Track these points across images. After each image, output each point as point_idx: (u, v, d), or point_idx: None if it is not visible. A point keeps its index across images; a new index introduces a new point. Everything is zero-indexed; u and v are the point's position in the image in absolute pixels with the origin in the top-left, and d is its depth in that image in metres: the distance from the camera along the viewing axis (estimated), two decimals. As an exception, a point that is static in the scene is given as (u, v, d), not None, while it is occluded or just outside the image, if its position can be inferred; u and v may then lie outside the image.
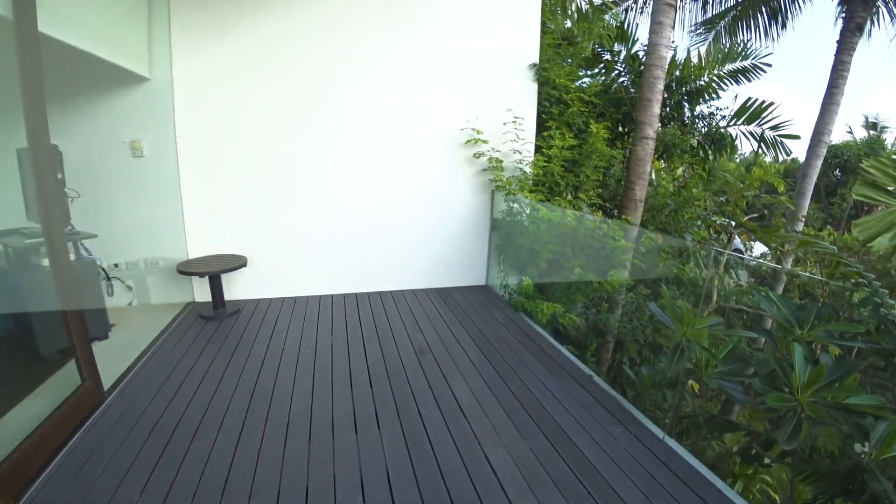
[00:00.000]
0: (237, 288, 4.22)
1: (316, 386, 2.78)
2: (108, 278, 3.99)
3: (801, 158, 6.28)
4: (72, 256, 3.25)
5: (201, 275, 3.73)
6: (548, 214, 3.52)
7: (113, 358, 3.09)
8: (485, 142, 4.03)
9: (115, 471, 2.05)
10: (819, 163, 5.73)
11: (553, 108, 4.38)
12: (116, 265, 4.04)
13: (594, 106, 4.66)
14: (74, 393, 2.49)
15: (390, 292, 4.42)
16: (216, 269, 3.79)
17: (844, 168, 12.61)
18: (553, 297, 3.80)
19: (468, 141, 4.05)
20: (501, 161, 4.06)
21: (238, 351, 3.28)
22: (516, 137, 4.05)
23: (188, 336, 3.53)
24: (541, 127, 4.37)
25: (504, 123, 4.06)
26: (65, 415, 2.37)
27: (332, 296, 4.35)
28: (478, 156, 4.10)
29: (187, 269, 3.72)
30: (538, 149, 4.19)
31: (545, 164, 4.05)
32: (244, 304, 4.15)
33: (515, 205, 3.94)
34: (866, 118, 12.59)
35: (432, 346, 3.26)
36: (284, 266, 4.26)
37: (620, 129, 5.42)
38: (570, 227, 3.62)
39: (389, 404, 2.57)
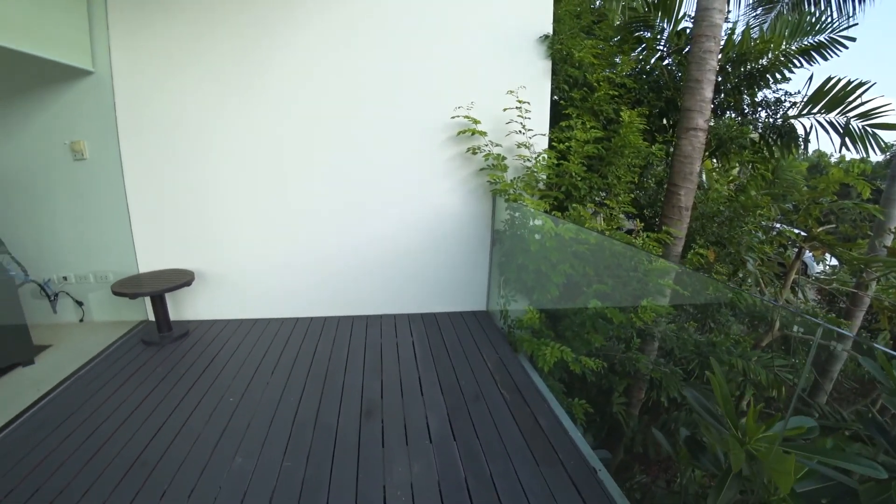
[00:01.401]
0: (189, 307, 3.61)
1: (223, 446, 2.07)
2: (49, 295, 3.45)
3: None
4: None
5: (132, 296, 3.08)
6: (555, 229, 2.68)
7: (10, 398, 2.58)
8: (482, 133, 3.19)
9: None
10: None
11: (573, 93, 3.48)
12: (65, 278, 3.52)
13: (628, 90, 3.74)
14: None
15: (366, 317, 3.66)
16: (155, 288, 3.16)
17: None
18: (568, 331, 2.94)
19: (461, 132, 3.21)
20: (503, 158, 3.22)
21: (182, 382, 2.76)
22: (522, 128, 3.18)
23: (113, 366, 2.95)
24: (558, 116, 3.50)
25: (505, 110, 3.20)
26: None
27: (297, 319, 3.66)
28: (474, 151, 3.26)
29: (121, 290, 3.10)
30: (553, 144, 3.33)
31: (559, 163, 3.18)
32: (196, 326, 3.54)
33: (518, 213, 3.10)
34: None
35: (386, 406, 2.47)
36: (243, 284, 3.62)
37: (664, 121, 4.44)
38: (590, 243, 2.77)
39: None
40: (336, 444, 2.16)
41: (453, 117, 3.24)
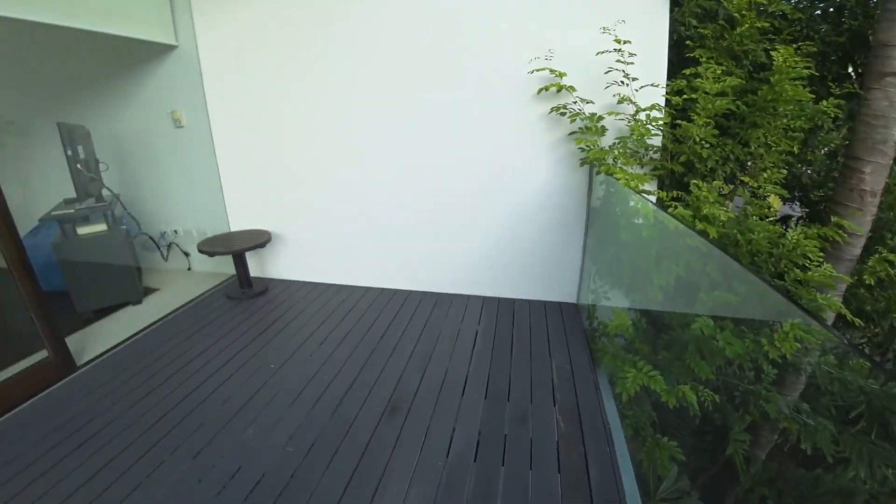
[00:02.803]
0: (271, 266, 3.74)
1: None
2: (158, 246, 3.86)
3: None
4: (102, 227, 3.10)
5: (209, 254, 3.20)
6: (654, 214, 1.99)
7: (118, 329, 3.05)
8: (570, 88, 2.53)
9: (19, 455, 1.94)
10: None
11: (703, 28, 2.59)
12: (175, 231, 3.88)
13: (789, 22, 2.67)
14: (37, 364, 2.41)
15: (436, 295, 3.35)
16: (231, 248, 3.25)
17: None
18: (668, 349, 2.24)
19: (542, 89, 2.58)
20: (599, 118, 2.53)
21: (242, 339, 2.88)
22: (625, 78, 2.45)
23: (201, 313, 3.27)
24: (680, 63, 2.63)
25: (598, 54, 2.45)
26: (11, 386, 2.31)
27: (367, 289, 3.53)
28: (560, 111, 2.60)
29: (203, 248, 3.25)
30: (669, 99, 2.52)
31: (678, 123, 2.39)
32: (275, 285, 3.67)
33: (613, 189, 2.43)
34: None
35: (415, 406, 2.13)
36: (319, 248, 3.62)
37: (845, 67, 3.16)
38: (707, 237, 2.03)
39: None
40: (344, 440, 1.92)
41: (531, 71, 2.62)
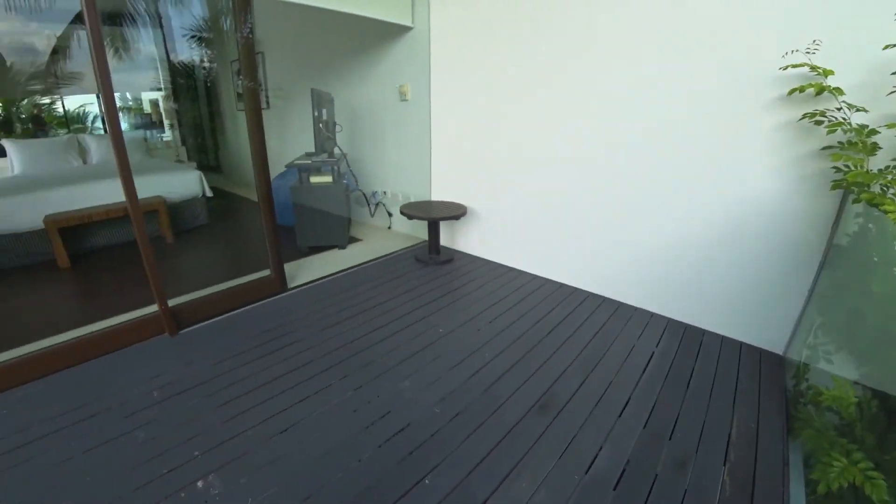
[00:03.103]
0: (461, 238, 4.04)
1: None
2: (369, 203, 4.49)
3: None
4: (329, 179, 3.76)
5: (409, 217, 3.61)
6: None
7: (323, 265, 3.79)
8: (835, 91, 2.00)
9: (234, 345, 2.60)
10: None
11: None
12: (385, 193, 4.45)
13: None
14: (261, 279, 3.20)
15: (617, 304, 3.16)
16: (430, 215, 3.59)
17: None
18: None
19: (794, 90, 2.08)
20: (870, 132, 1.95)
21: (420, 299, 3.22)
22: None
23: (390, 268, 3.76)
24: None
25: (886, 48, 1.85)
26: (242, 290, 3.09)
27: (546, 280, 3.55)
28: (815, 119, 2.08)
29: (405, 211, 3.66)
30: None
31: None
32: (461, 257, 3.98)
33: (873, 227, 1.88)
34: None
35: (567, 411, 2.07)
36: (510, 232, 3.75)
37: None
38: None
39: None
40: (489, 419, 2.00)
41: (784, 67, 2.15)
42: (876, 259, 1.86)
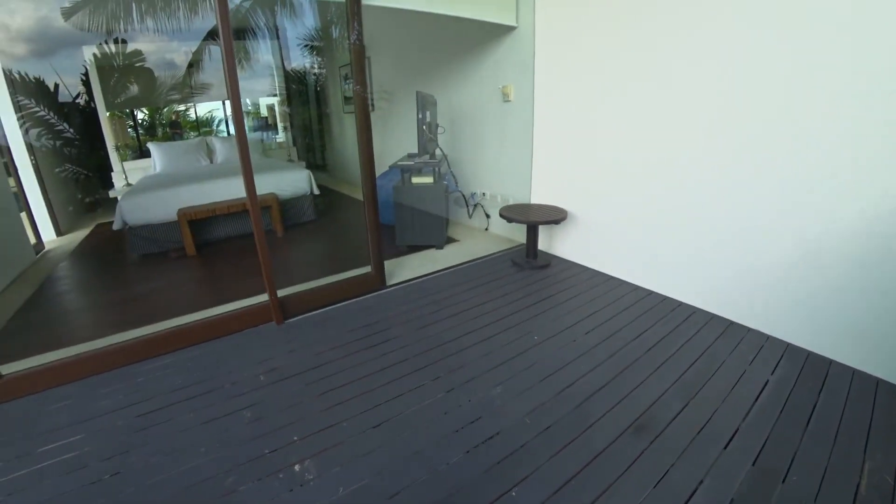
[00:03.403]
0: (560, 243, 3.97)
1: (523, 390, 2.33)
2: (467, 204, 4.55)
3: None
4: (430, 179, 3.91)
5: (508, 220, 3.61)
6: None
7: (420, 264, 3.98)
8: None
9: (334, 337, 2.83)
10: None
11: None
12: (483, 194, 4.50)
13: None
14: (362, 275, 3.42)
15: (728, 322, 2.93)
16: (529, 218, 3.58)
17: None
18: None
19: None
20: None
21: (515, 304, 3.24)
22: None
23: (486, 270, 3.82)
24: None
25: None
26: (344, 285, 3.32)
27: (650, 292, 3.38)
28: None
29: (505, 213, 3.68)
30: None
31: None
32: (558, 262, 3.94)
33: None
34: None
35: (665, 436, 1.99)
36: (613, 239, 3.62)
37: None
38: None
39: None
40: (580, 436, 1.99)
41: None
42: None
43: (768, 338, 2.75)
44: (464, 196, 4.68)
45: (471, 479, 1.77)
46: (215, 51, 7.63)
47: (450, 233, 4.65)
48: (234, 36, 2.60)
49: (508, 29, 3.83)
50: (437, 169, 4.00)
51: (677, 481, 1.76)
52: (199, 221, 4.68)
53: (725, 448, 1.93)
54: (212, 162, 6.84)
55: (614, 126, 3.33)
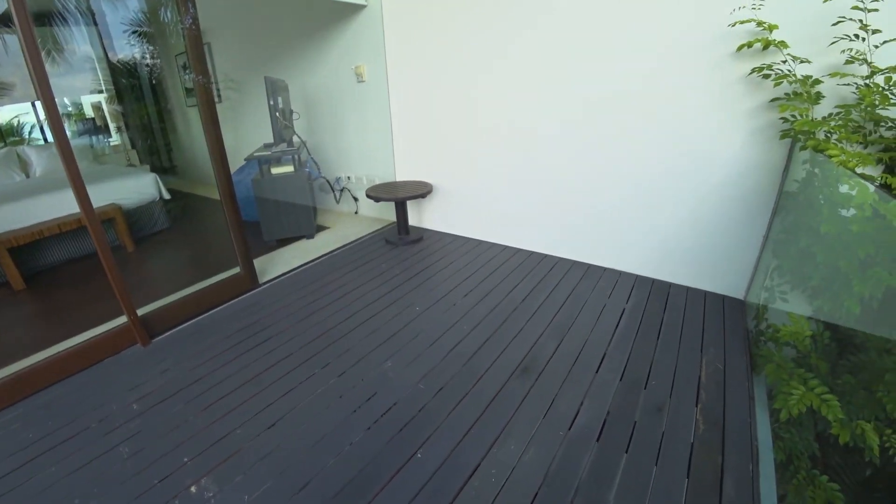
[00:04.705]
0: (427, 216, 4.01)
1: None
2: (333, 189, 4.38)
3: None
4: (290, 169, 3.66)
5: (375, 199, 3.56)
6: (877, 205, 1.59)
7: (292, 257, 3.75)
8: (780, 44, 2.08)
9: (211, 346, 2.55)
10: None
11: None
12: (349, 178, 4.36)
13: None
14: (231, 277, 3.10)
15: (586, 266, 3.24)
16: (396, 195, 3.55)
17: None
18: (852, 375, 1.83)
19: (742, 46, 2.16)
20: (814, 82, 2.05)
21: (393, 280, 3.22)
22: (861, 30, 1.89)
23: (361, 252, 3.73)
24: None
25: (825, 0, 1.97)
26: (212, 291, 2.99)
27: (516, 250, 3.59)
28: (763, 72, 2.17)
29: (371, 193, 3.61)
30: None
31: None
32: (430, 235, 3.97)
33: (818, 171, 2.00)
34: None
35: (546, 372, 2.14)
36: (474, 204, 3.76)
37: None
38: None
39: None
40: (472, 388, 2.06)
41: (733, 24, 2.21)
42: (822, 201, 1.97)
43: (621, 273, 3.11)
44: (328, 182, 4.51)
45: (377, 452, 1.72)
46: (12, 41, 6.27)
47: (319, 220, 4.45)
48: (34, 21, 2.14)
49: (358, 7, 3.67)
50: (296, 157, 3.78)
51: (562, 408, 1.91)
52: (23, 248, 3.83)
53: (597, 372, 2.14)
54: (28, 176, 5.65)
55: (468, 98, 3.45)
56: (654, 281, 2.99)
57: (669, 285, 2.93)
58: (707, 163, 2.59)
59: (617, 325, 2.51)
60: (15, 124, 6.83)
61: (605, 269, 3.18)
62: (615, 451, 1.69)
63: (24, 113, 6.79)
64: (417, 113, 3.75)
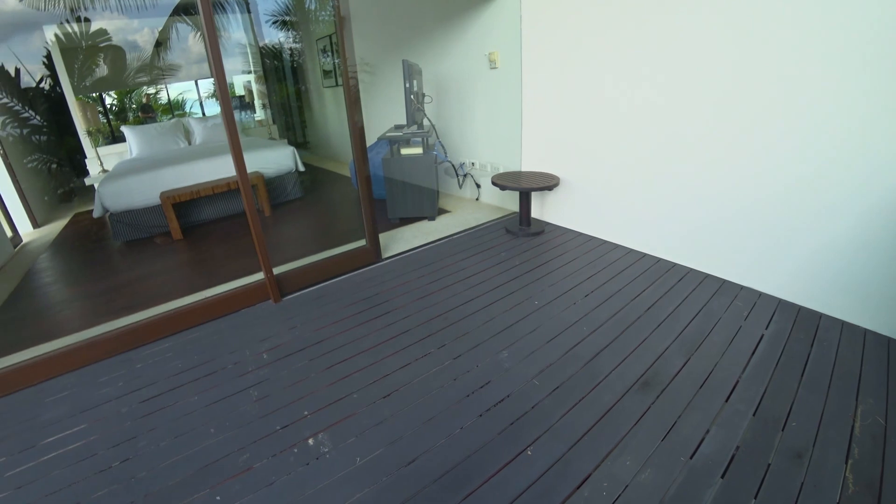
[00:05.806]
0: (551, 210, 3.98)
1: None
2: (457, 174, 4.49)
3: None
4: (419, 150, 3.84)
5: (501, 188, 3.60)
6: None
7: (413, 236, 3.98)
8: None
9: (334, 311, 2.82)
10: None
11: None
12: (473, 164, 4.45)
13: None
14: (357, 249, 3.42)
15: (721, 281, 2.99)
16: (522, 185, 3.57)
17: None
18: None
19: None
20: None
21: (512, 270, 3.25)
22: None
23: (481, 239, 3.82)
24: None
25: None
26: (338, 260, 3.30)
27: (643, 255, 3.43)
28: None
29: (497, 181, 3.66)
30: None
31: None
32: (552, 229, 3.96)
33: None
34: None
35: (669, 390, 2.04)
36: (603, 203, 3.62)
37: None
38: None
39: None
40: (589, 394, 2.04)
41: None
42: None
43: (760, 294, 2.82)
44: (453, 166, 4.64)
45: (486, 442, 1.80)
46: (183, 29, 7.32)
47: (441, 204, 4.63)
48: (194, 10, 2.49)
49: (496, -7, 3.73)
50: (425, 139, 3.94)
51: (685, 432, 1.82)
52: (182, 204, 4.56)
53: (727, 400, 1.99)
54: (190, 144, 6.64)
55: (606, 92, 3.29)
56: (800, 308, 2.66)
57: (820, 316, 2.59)
58: (881, 179, 2.22)
59: (753, 352, 2.30)
60: (180, 100, 8.03)
61: (741, 287, 2.90)
62: (743, 493, 1.58)
63: (187, 90, 7.98)
64: (549, 104, 3.66)
